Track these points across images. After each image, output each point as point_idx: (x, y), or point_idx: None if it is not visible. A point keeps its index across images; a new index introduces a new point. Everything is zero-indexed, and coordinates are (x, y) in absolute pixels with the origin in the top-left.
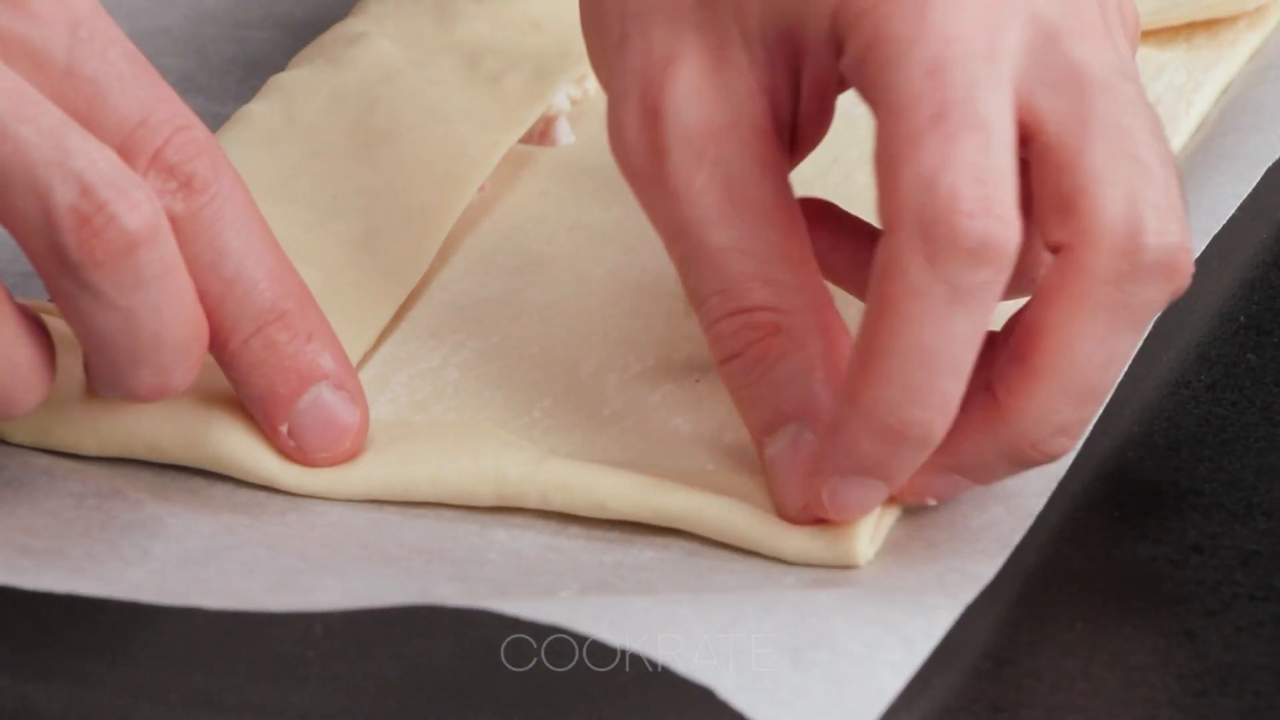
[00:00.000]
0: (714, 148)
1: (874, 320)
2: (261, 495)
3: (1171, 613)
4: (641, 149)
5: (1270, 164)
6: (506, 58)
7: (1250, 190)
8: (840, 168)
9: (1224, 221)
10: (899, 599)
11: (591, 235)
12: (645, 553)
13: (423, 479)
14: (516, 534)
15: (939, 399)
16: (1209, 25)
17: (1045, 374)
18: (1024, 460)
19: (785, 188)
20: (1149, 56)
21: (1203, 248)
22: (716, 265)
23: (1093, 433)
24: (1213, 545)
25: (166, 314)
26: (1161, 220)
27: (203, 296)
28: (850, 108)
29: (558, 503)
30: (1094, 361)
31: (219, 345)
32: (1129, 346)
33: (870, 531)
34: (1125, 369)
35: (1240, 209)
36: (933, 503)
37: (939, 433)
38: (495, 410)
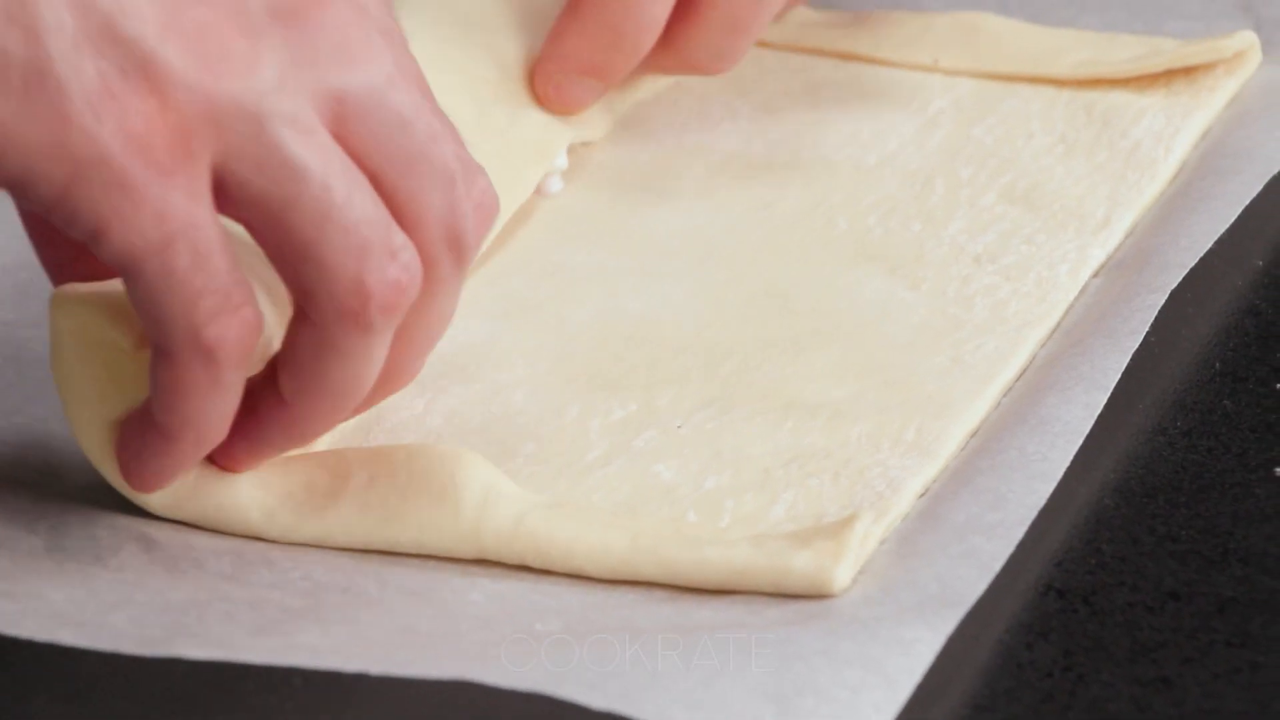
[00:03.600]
0: None
1: None
2: (239, 544)
3: (1149, 659)
4: None
5: (1247, 203)
6: (514, 104)
7: (1227, 228)
8: (822, 212)
9: (1200, 256)
10: (880, 634)
11: (574, 279)
12: (628, 594)
13: (405, 541)
14: (500, 576)
15: (649, 17)
16: (1188, 72)
17: (706, 13)
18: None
19: None
20: (1129, 102)
21: (1176, 281)
22: None
23: (1069, 478)
24: (1189, 592)
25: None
26: None
27: None
28: (832, 153)
29: (536, 565)
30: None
31: None
32: None
33: (852, 563)
34: (776, 9)
35: (1216, 256)
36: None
37: (647, 46)
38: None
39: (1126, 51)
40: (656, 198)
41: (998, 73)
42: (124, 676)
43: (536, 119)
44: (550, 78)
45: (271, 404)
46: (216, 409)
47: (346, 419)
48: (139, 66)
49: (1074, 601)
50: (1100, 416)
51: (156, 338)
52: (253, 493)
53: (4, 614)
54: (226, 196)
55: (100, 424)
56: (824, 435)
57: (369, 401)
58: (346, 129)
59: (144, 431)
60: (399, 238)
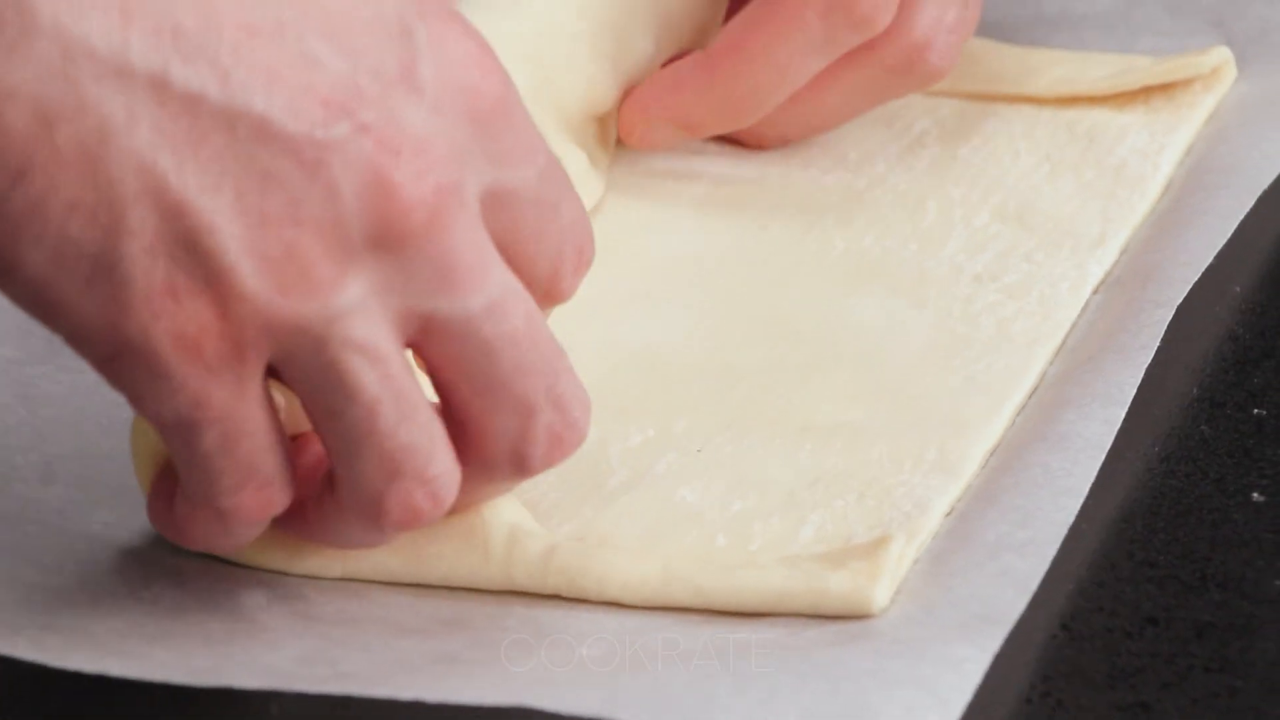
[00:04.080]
0: None
1: None
2: (269, 578)
3: (1127, 684)
4: None
5: (1241, 217)
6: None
7: (1225, 242)
8: (817, 234)
9: (1201, 270)
10: (927, 654)
11: (575, 305)
12: (664, 618)
13: (435, 579)
14: (533, 603)
15: (775, 100)
16: (1165, 88)
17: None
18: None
19: None
20: (1110, 119)
21: (1181, 296)
22: None
23: (1044, 505)
24: (1168, 617)
25: None
26: None
27: None
28: (821, 175)
29: (569, 596)
30: None
31: None
32: None
33: (889, 584)
34: None
35: (1194, 282)
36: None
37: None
38: None
39: (1102, 69)
40: (651, 223)
41: (977, 92)
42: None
43: (575, 165)
44: (649, 119)
45: (312, 508)
46: (230, 543)
47: None
48: (209, 277)
49: (1052, 627)
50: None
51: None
52: (280, 532)
53: (50, 646)
54: (277, 376)
55: (151, 450)
56: (844, 457)
57: None
58: (429, 347)
59: (174, 504)
60: (439, 465)
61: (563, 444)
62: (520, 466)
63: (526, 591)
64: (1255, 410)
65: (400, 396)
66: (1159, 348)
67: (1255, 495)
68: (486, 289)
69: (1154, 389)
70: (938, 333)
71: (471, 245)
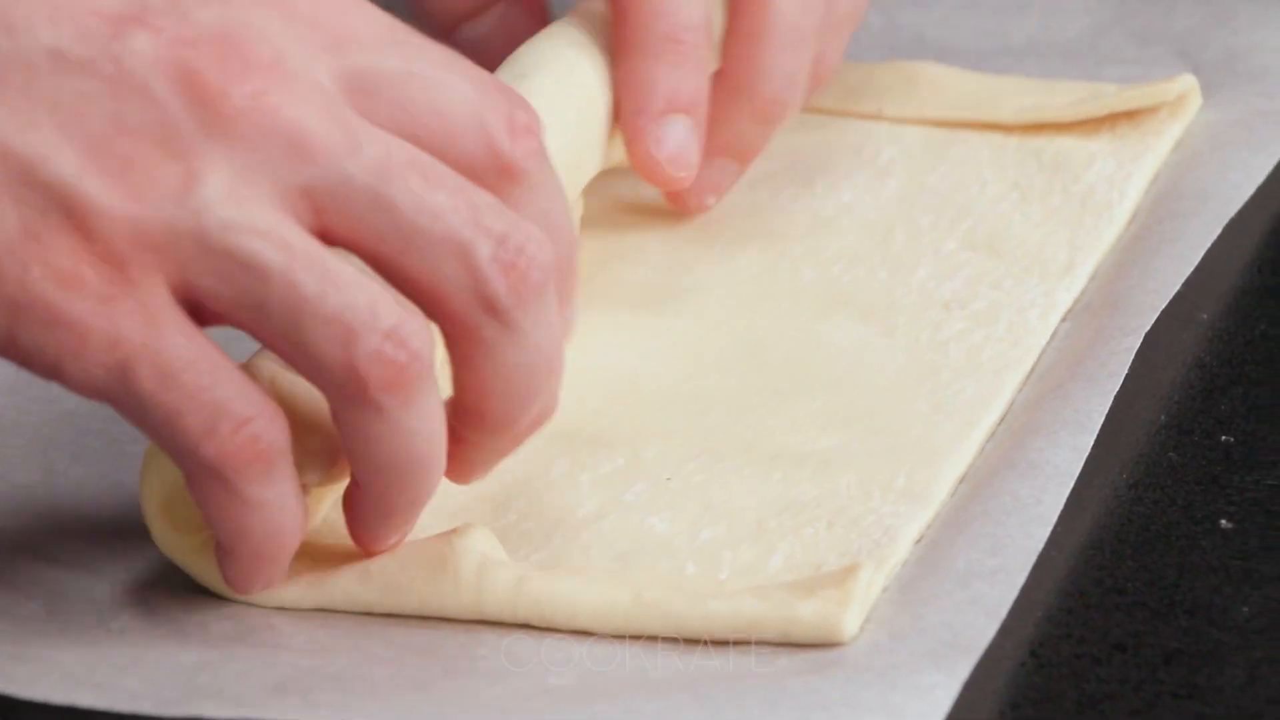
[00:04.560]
0: None
1: None
2: (239, 609)
3: (1096, 711)
4: None
5: (1209, 245)
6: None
7: (1192, 269)
8: (787, 263)
9: (1169, 298)
10: (898, 682)
11: None
12: (635, 646)
13: (407, 608)
14: (505, 631)
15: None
16: (1131, 115)
17: (763, 32)
18: (768, 116)
19: None
20: (1077, 147)
21: (1150, 323)
22: None
23: (1013, 532)
24: (1136, 644)
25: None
26: None
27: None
28: (788, 204)
29: (540, 626)
30: (795, 9)
31: None
32: None
33: (859, 611)
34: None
35: (1161, 310)
36: (712, 201)
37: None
38: (472, 515)
39: (1068, 96)
40: (620, 253)
41: (942, 119)
42: None
43: None
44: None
45: (352, 491)
46: (258, 523)
47: (433, 488)
48: (59, 206)
49: (1021, 654)
50: None
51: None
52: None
53: (18, 677)
54: (205, 311)
55: (160, 482)
56: (814, 484)
57: (485, 454)
58: (326, 221)
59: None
60: (391, 317)
61: (525, 263)
62: (493, 307)
63: (497, 621)
64: (1223, 437)
65: (312, 262)
66: (1126, 375)
67: (1223, 522)
68: (360, 154)
69: (1122, 416)
70: (907, 360)
71: (320, 117)
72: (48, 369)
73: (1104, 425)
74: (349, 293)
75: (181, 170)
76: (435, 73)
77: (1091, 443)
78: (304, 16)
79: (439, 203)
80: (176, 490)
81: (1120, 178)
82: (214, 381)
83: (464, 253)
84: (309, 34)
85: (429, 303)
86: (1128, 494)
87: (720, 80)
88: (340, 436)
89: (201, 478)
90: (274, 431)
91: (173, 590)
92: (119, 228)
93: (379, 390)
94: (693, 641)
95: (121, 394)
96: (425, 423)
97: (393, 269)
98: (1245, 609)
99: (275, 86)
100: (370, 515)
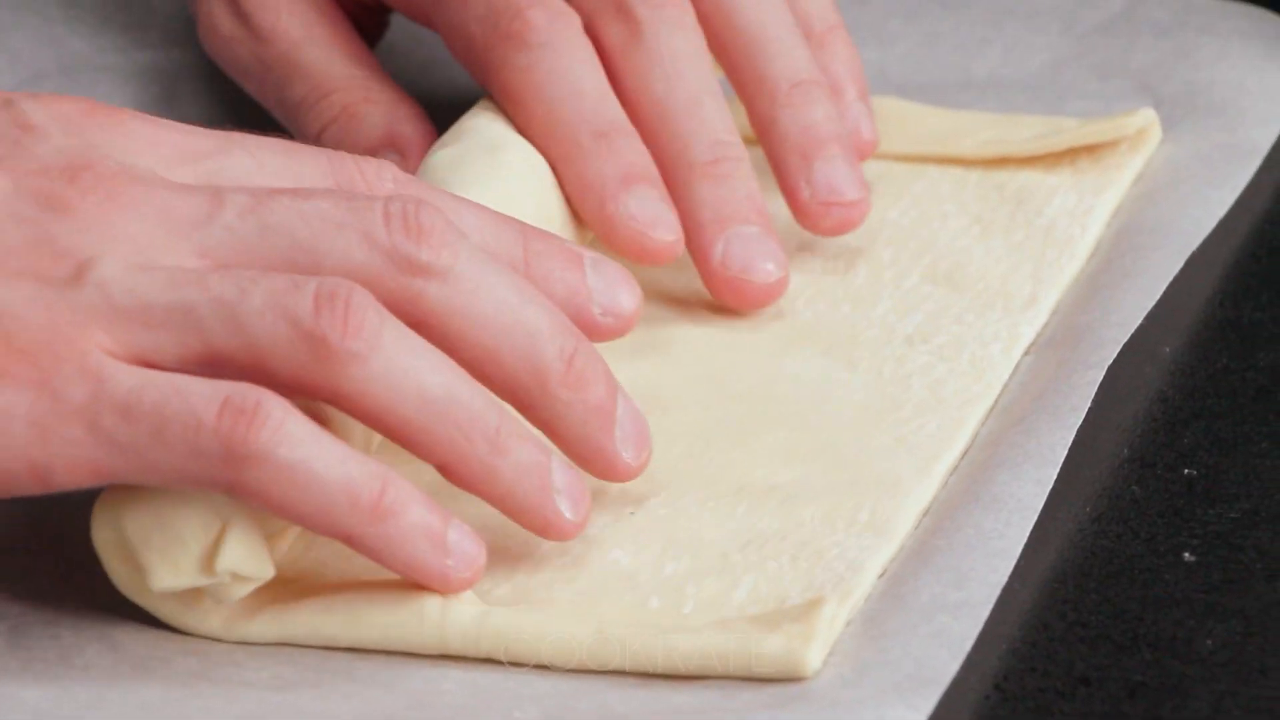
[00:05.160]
0: (286, 4)
1: None
2: (204, 644)
3: None
4: (226, 19)
5: (1171, 278)
6: None
7: (1154, 302)
8: None
9: (1131, 331)
10: (863, 715)
11: None
12: (599, 680)
13: (370, 642)
14: (470, 666)
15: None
16: (1092, 150)
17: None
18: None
19: (354, 33)
20: (1038, 181)
21: (1112, 356)
22: (307, 74)
23: (977, 565)
24: (1100, 677)
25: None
26: None
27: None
28: None
29: (504, 660)
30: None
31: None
32: None
33: (822, 645)
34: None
35: (1124, 343)
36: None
37: None
38: None
39: (1029, 131)
40: None
41: (904, 155)
42: None
43: None
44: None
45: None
46: (309, 478)
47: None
48: None
49: (984, 688)
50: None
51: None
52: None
53: None
54: (154, 367)
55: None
56: (777, 518)
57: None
58: (223, 262)
59: None
60: (316, 282)
61: (411, 219)
62: (407, 265)
63: (461, 655)
64: (1185, 470)
65: (225, 278)
66: (1089, 408)
67: (1186, 555)
68: (230, 201)
69: (1085, 449)
70: (870, 394)
71: (183, 191)
72: (36, 480)
73: (1067, 459)
74: (270, 281)
75: (71, 263)
76: (286, 161)
77: (1054, 476)
78: (145, 137)
79: (319, 207)
80: (131, 533)
81: (1082, 211)
82: (176, 389)
83: (362, 233)
84: (152, 150)
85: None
86: (1091, 527)
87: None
88: (350, 413)
89: (234, 476)
90: (259, 393)
91: (137, 626)
92: (34, 320)
93: (341, 339)
94: (657, 676)
95: (105, 456)
96: (407, 356)
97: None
98: (1209, 642)
99: (128, 185)
100: (485, 456)
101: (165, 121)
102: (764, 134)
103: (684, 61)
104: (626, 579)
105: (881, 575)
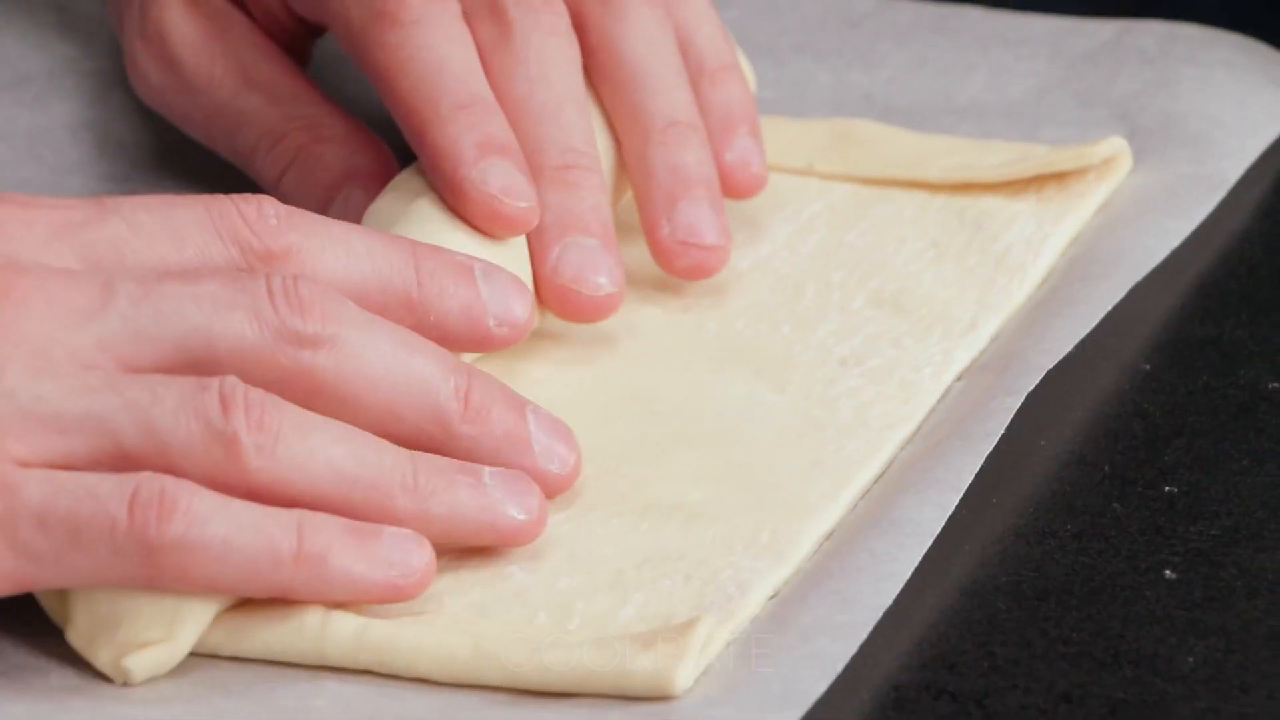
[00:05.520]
0: (220, 44)
1: None
2: (81, 658)
3: None
4: (156, 71)
5: (1109, 308)
6: None
7: (1089, 332)
8: (692, 316)
9: (1059, 359)
10: None
11: None
12: (472, 696)
13: (251, 652)
14: (347, 679)
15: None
16: (1059, 177)
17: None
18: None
19: (292, 66)
20: (1001, 207)
21: (1034, 384)
22: (253, 121)
23: (962, 584)
24: (1081, 694)
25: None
26: None
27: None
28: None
29: (382, 673)
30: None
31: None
32: None
33: (693, 665)
34: None
35: (1103, 360)
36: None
37: None
38: None
39: (997, 156)
40: None
41: (871, 177)
42: None
43: None
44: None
45: None
46: (217, 551)
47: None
48: None
49: (967, 705)
50: (998, 518)
51: None
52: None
53: None
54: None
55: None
56: (678, 537)
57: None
58: (124, 359)
59: None
60: (213, 380)
61: (294, 293)
62: (289, 338)
63: (341, 667)
64: (1166, 488)
65: (135, 382)
66: (1073, 424)
67: (1167, 572)
68: (121, 291)
69: (1067, 466)
70: (793, 417)
71: (71, 282)
72: None
73: (1049, 476)
74: (180, 384)
75: None
76: (163, 220)
77: (956, 501)
78: (18, 219)
79: (208, 290)
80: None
81: (1038, 239)
82: (87, 491)
83: (251, 313)
84: (27, 230)
85: (239, 366)
86: (1072, 544)
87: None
88: (268, 501)
89: (154, 570)
90: (161, 481)
91: (13, 640)
92: None
93: (249, 435)
94: (532, 693)
95: (25, 566)
96: (310, 436)
97: (198, 364)
98: (1190, 659)
99: (15, 279)
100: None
101: (35, 198)
102: (633, 168)
103: (550, 66)
104: (518, 593)
105: (773, 597)
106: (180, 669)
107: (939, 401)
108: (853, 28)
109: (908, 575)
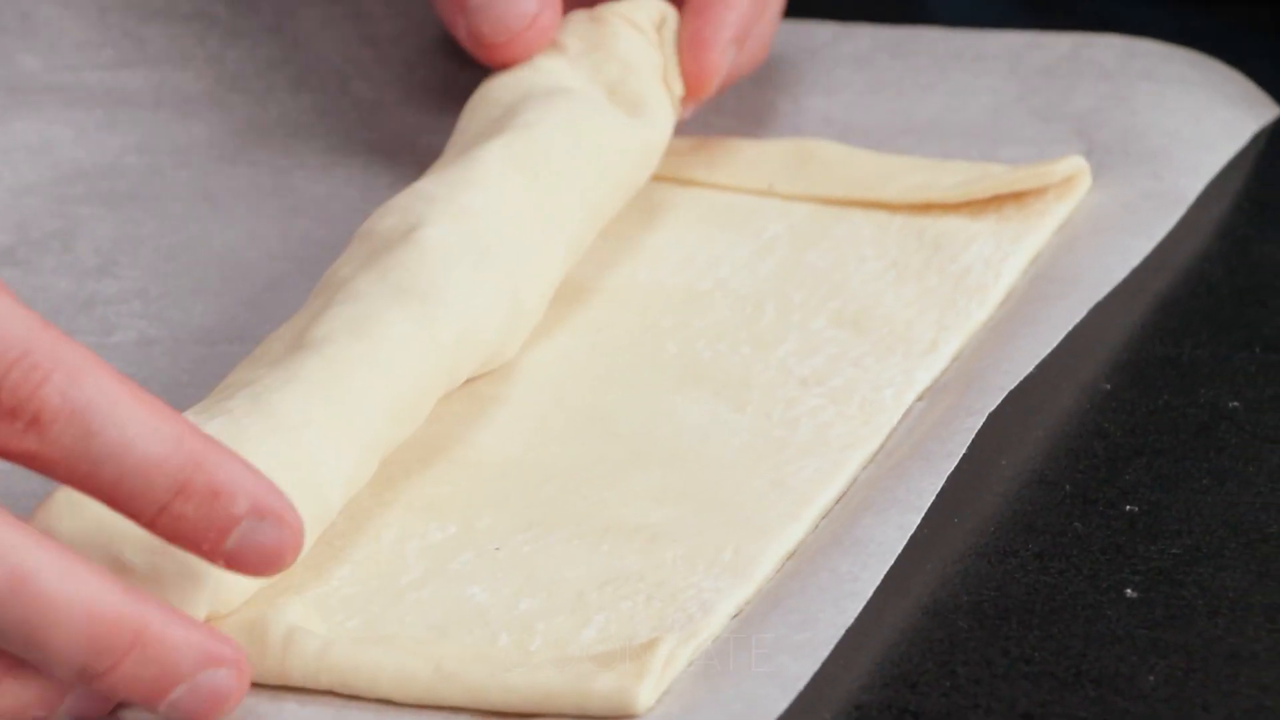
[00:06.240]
0: None
1: None
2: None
3: None
4: None
5: (1070, 328)
6: None
7: (1049, 352)
8: (652, 336)
9: (1020, 379)
10: None
11: None
12: (434, 717)
13: None
14: (308, 700)
15: None
16: (1019, 197)
17: None
18: None
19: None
20: (960, 227)
21: (995, 404)
22: None
23: (924, 603)
24: (1043, 713)
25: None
26: None
27: (100, 499)
28: (667, 277)
29: (344, 694)
30: None
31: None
32: None
33: (654, 684)
34: None
35: (1063, 380)
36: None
37: None
38: (294, 578)
39: (957, 176)
40: None
41: (831, 197)
42: None
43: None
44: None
45: None
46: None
47: None
48: None
49: None
50: (959, 537)
51: None
52: None
53: None
54: None
55: None
56: (640, 557)
57: None
58: None
59: None
60: None
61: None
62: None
63: (303, 688)
64: (1127, 507)
65: None
66: (1034, 444)
67: (1128, 591)
68: None
69: (1028, 486)
70: (754, 436)
71: None
72: None
73: (1011, 495)
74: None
75: None
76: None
77: (918, 521)
78: None
79: None
80: None
81: (998, 259)
82: None
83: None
84: None
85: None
86: (1034, 563)
87: None
88: None
89: None
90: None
91: None
92: None
93: None
94: (494, 713)
95: None
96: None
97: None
98: (1151, 678)
99: None
100: None
101: None
102: None
103: None
104: (479, 614)
105: (736, 616)
106: None
107: (900, 421)
108: (810, 56)
109: (869, 594)
